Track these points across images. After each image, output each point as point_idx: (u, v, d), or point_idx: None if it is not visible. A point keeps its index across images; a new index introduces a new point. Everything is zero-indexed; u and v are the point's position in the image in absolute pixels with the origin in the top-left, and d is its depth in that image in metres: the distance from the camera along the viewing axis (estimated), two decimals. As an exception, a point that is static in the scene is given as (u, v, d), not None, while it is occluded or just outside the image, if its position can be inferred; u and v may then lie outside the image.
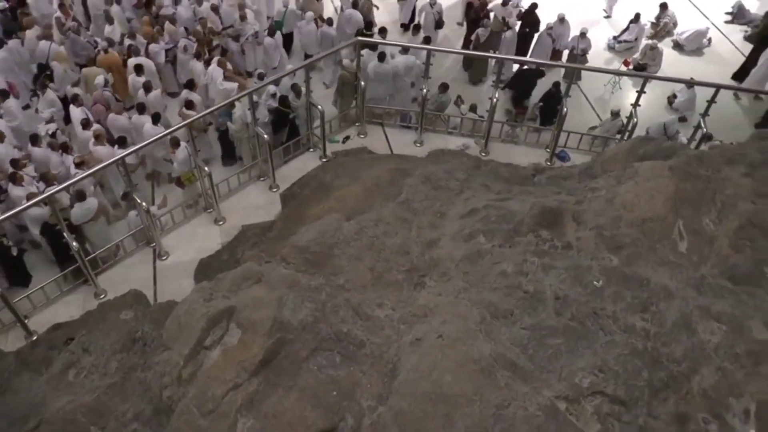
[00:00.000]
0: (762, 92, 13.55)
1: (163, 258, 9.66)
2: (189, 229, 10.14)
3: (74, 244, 8.53)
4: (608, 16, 17.65)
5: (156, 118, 11.36)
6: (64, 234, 8.56)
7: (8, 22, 15.10)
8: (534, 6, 15.42)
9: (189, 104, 11.74)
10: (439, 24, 14.97)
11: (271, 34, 14.26)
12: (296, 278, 6.24)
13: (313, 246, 6.78)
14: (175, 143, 10.44)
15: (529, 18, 15.31)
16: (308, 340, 5.45)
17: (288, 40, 15.39)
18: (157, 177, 11.86)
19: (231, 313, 5.67)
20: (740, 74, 14.70)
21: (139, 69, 12.93)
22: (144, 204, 9.20)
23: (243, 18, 14.52)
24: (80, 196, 9.46)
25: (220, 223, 10.13)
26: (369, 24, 14.49)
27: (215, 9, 14.96)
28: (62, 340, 7.91)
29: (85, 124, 11.52)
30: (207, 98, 12.86)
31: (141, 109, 11.82)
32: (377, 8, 16.02)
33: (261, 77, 12.68)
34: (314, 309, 5.69)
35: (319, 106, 10.76)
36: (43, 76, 13.21)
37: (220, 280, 6.44)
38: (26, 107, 13.32)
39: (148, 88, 12.59)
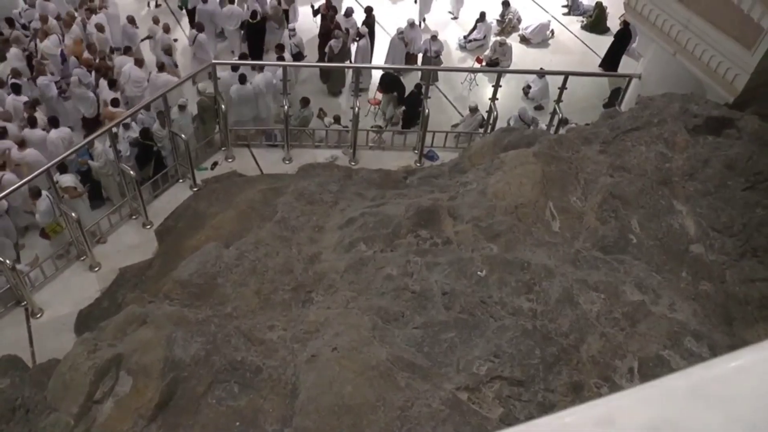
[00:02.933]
0: (601, 74, 14.47)
1: (38, 316, 9.11)
2: (62, 281, 9.61)
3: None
4: (455, 17, 18.27)
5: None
6: None
7: None
8: (369, 9, 15.76)
9: (114, 101, 11.60)
10: (297, 57, 14.79)
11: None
12: (182, 314, 6.09)
13: (196, 278, 6.64)
14: (36, 193, 9.87)
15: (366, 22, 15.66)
16: (203, 375, 5.34)
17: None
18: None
19: (119, 360, 5.46)
20: (608, 63, 15.48)
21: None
22: (8, 261, 8.65)
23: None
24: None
25: (96, 269, 9.68)
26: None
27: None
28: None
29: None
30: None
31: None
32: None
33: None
34: (205, 342, 5.57)
35: (183, 135, 10.53)
36: None
37: (103, 328, 6.19)
38: None
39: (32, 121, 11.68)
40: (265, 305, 6.33)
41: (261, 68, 12.53)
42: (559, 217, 6.67)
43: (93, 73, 13.26)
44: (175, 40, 15.47)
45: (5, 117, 11.55)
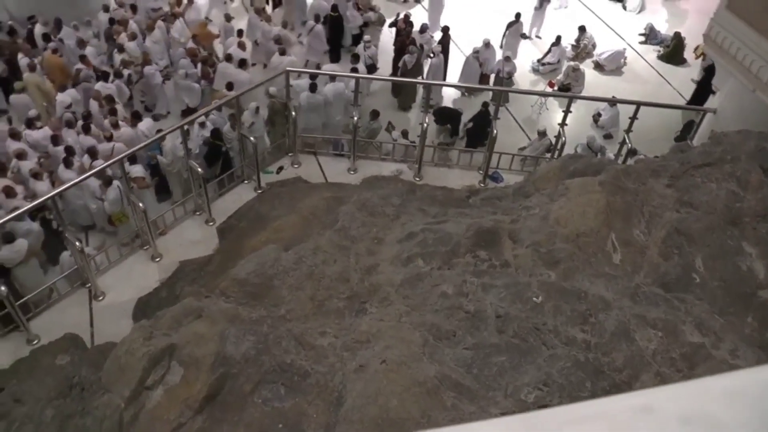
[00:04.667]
0: (674, 107, 14.15)
1: (100, 299, 9.41)
2: (125, 268, 9.90)
3: (2, 288, 8.19)
4: (528, 37, 18.17)
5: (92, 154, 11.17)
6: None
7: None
8: (446, 28, 15.86)
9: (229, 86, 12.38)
10: (371, 69, 15.03)
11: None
12: (237, 311, 6.20)
13: (253, 278, 6.75)
14: (107, 182, 10.23)
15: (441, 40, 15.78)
16: (252, 374, 5.41)
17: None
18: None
19: (172, 350, 5.58)
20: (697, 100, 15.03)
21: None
22: (78, 243, 8.96)
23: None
24: (7, 237, 9.14)
25: (157, 259, 9.94)
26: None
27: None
28: (-10, 392, 7.59)
29: (21, 154, 11.21)
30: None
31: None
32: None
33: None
34: (256, 341, 5.65)
35: (252, 138, 10.74)
36: None
37: (160, 317, 6.34)
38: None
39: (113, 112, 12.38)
40: (319, 311, 6.38)
41: (333, 78, 12.71)
42: (621, 250, 6.55)
43: (199, 65, 13.83)
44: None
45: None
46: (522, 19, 16.76)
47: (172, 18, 15.70)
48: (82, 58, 13.83)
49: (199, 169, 10.12)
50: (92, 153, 11.07)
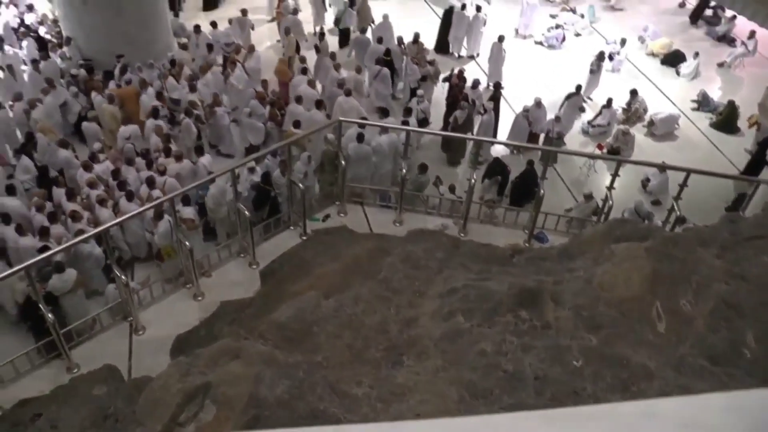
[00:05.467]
0: (726, 176, 13.94)
1: (140, 333, 9.53)
2: (167, 305, 10.03)
3: (50, 316, 8.38)
4: (584, 111, 18.17)
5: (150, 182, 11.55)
6: (40, 305, 8.44)
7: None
8: (497, 84, 16.01)
9: (296, 124, 13.01)
10: (422, 123, 15.23)
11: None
12: (274, 355, 6.20)
13: (292, 323, 6.76)
14: (158, 215, 10.48)
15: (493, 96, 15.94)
16: (284, 418, 5.38)
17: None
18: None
19: (207, 388, 5.60)
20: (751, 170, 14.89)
21: (156, 113, 13.71)
22: (123, 277, 9.14)
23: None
24: (59, 267, 9.39)
25: (199, 298, 10.05)
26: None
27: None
28: (29, 417, 7.69)
29: (92, 183, 11.77)
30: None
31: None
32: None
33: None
34: (291, 386, 5.64)
35: (301, 185, 10.89)
36: (27, 145, 13.46)
37: (198, 355, 6.37)
38: (9, 177, 13.39)
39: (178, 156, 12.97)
40: (356, 360, 6.35)
41: (386, 129, 12.89)
42: (666, 318, 6.40)
43: (267, 107, 14.31)
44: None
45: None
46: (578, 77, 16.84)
47: (232, 65, 16.18)
48: (159, 95, 14.44)
49: (247, 213, 10.28)
50: (150, 182, 11.49)
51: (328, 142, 12.53)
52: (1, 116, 14.37)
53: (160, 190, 11.68)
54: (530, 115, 15.41)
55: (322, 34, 18.34)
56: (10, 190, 11.96)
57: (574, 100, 16.47)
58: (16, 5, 20.10)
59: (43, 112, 14.56)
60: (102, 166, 12.76)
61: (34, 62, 16.19)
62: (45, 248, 9.78)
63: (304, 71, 16.43)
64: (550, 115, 15.62)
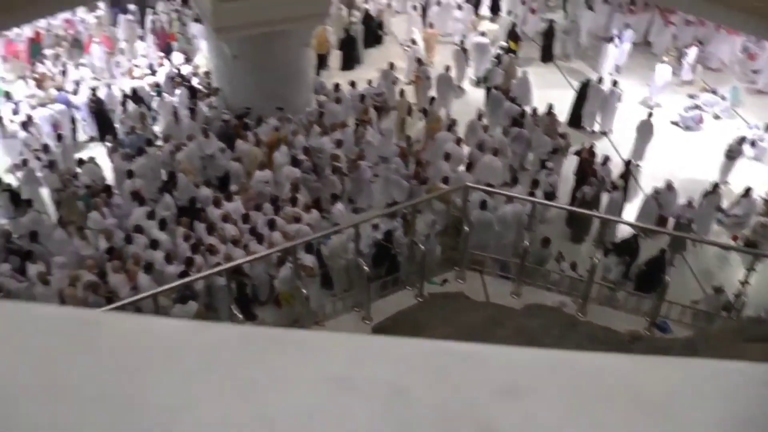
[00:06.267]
0: None
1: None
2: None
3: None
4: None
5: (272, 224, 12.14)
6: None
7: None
8: (628, 162, 15.69)
9: (445, 180, 13.48)
10: (549, 197, 15.13)
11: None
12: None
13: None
14: (281, 261, 10.89)
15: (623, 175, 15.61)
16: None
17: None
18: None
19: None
20: None
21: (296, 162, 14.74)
22: (240, 315, 9.50)
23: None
24: (183, 298, 9.88)
25: (311, 348, 10.26)
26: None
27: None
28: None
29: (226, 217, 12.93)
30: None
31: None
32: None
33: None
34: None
35: (422, 246, 11.01)
36: (169, 183, 14.54)
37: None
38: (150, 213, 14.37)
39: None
40: None
41: (511, 199, 12.91)
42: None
43: (410, 164, 15.14)
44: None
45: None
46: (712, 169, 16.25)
47: (364, 124, 16.77)
48: (306, 151, 15.31)
49: (366, 268, 10.48)
50: (271, 225, 12.02)
51: (453, 206, 12.66)
52: (151, 154, 15.54)
53: (284, 236, 12.20)
54: (660, 198, 14.96)
55: (432, 99, 18.67)
56: (162, 225, 13.06)
57: (711, 198, 15.71)
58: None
59: (186, 155, 15.65)
60: (233, 205, 13.54)
61: (191, 110, 17.74)
62: (184, 274, 10.46)
63: (449, 128, 16.81)
64: (682, 200, 15.10)
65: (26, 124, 17.42)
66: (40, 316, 1.00)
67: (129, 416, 0.83)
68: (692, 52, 22.06)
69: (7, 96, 20.24)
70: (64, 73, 21.46)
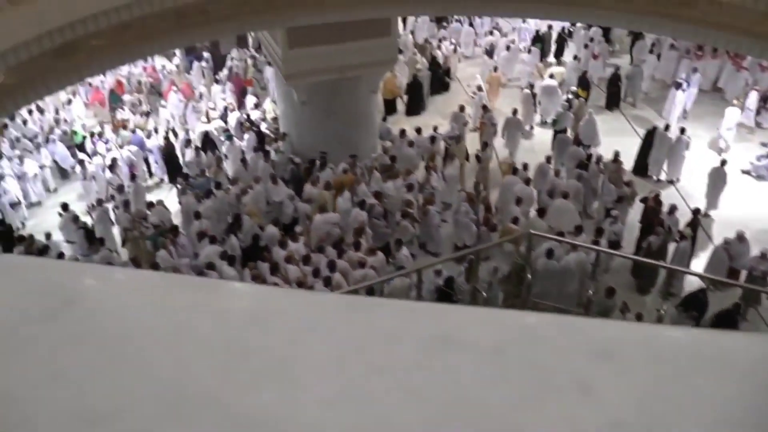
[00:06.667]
0: None
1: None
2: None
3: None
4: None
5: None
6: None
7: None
8: (696, 211, 15.33)
9: (515, 220, 13.69)
10: (614, 245, 14.89)
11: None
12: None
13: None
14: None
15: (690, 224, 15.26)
16: None
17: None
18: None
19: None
20: None
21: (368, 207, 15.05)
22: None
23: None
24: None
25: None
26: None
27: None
28: None
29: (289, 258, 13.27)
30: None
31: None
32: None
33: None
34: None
35: (484, 293, 11.02)
36: (234, 225, 15.09)
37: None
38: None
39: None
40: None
41: (575, 247, 12.80)
42: None
43: (479, 208, 15.46)
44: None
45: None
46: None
47: (429, 169, 16.93)
48: (378, 195, 15.55)
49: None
50: (332, 266, 12.24)
51: (518, 253, 12.63)
52: (219, 197, 16.02)
53: (346, 279, 12.40)
54: (731, 249, 14.54)
55: (485, 144, 18.72)
56: (231, 260, 13.56)
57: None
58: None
59: (252, 198, 16.10)
60: (296, 245, 13.86)
61: (265, 153, 18.48)
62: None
63: (515, 171, 16.81)
64: (755, 251, 14.65)
65: (112, 167, 18.40)
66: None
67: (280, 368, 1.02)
68: (752, 96, 21.53)
69: (86, 141, 21.31)
70: (145, 115, 22.94)
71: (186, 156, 19.57)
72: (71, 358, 0.96)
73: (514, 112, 20.07)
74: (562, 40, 26.74)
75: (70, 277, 1.19)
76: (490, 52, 25.84)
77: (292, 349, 1.02)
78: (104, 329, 1.03)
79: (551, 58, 26.31)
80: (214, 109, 22.40)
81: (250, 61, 26.38)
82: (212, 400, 0.90)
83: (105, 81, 24.88)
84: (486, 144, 18.50)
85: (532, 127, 21.83)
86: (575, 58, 24.74)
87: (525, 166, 16.99)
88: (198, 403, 0.90)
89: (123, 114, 22.86)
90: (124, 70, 24.97)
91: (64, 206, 16.25)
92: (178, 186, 17.98)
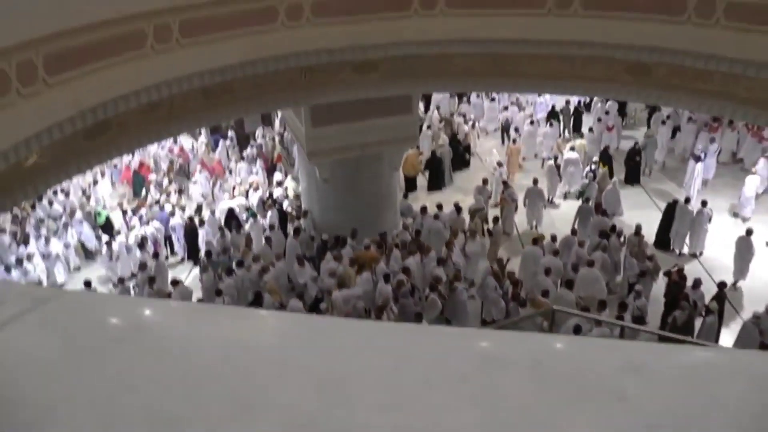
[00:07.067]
0: None
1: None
2: None
3: None
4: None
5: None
6: None
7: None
8: (722, 284, 15.09)
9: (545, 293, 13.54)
10: (638, 321, 14.69)
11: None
12: None
13: None
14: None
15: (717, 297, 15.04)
16: None
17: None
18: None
19: None
20: None
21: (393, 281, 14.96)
22: None
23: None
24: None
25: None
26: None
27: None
28: None
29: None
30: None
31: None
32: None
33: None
34: None
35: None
36: (255, 302, 15.14)
37: None
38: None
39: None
40: None
41: (598, 323, 12.69)
42: None
43: (506, 285, 15.43)
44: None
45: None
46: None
47: (449, 245, 16.98)
48: (406, 271, 15.56)
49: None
50: None
51: (541, 329, 12.54)
52: (240, 275, 16.11)
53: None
54: (762, 323, 14.27)
55: (496, 219, 18.74)
56: None
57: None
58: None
59: (273, 275, 16.17)
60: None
61: (295, 232, 18.50)
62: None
63: (535, 241, 16.80)
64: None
65: (141, 245, 18.73)
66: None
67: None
68: (761, 163, 21.46)
69: (109, 220, 21.86)
70: (177, 193, 23.47)
71: (210, 234, 19.82)
72: (144, 371, 1.05)
73: (535, 181, 20.21)
74: (579, 113, 27.17)
75: (136, 308, 1.28)
76: (506, 127, 26.24)
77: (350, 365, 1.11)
78: (169, 349, 1.12)
79: (567, 134, 26.64)
80: (240, 184, 22.83)
81: (277, 138, 26.98)
82: (276, 406, 0.98)
83: (133, 160, 25.53)
84: (497, 219, 18.58)
85: (552, 201, 21.97)
86: (590, 130, 25.06)
87: (553, 238, 16.91)
88: (259, 408, 0.98)
89: (151, 193, 23.37)
90: (149, 150, 25.66)
91: (87, 283, 16.45)
92: (201, 263, 18.15)
